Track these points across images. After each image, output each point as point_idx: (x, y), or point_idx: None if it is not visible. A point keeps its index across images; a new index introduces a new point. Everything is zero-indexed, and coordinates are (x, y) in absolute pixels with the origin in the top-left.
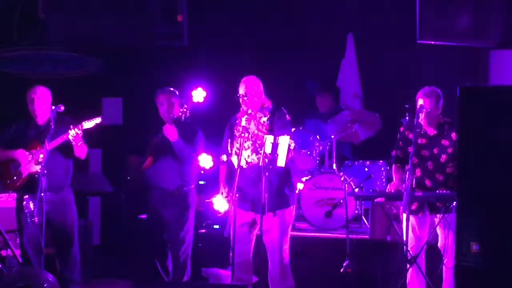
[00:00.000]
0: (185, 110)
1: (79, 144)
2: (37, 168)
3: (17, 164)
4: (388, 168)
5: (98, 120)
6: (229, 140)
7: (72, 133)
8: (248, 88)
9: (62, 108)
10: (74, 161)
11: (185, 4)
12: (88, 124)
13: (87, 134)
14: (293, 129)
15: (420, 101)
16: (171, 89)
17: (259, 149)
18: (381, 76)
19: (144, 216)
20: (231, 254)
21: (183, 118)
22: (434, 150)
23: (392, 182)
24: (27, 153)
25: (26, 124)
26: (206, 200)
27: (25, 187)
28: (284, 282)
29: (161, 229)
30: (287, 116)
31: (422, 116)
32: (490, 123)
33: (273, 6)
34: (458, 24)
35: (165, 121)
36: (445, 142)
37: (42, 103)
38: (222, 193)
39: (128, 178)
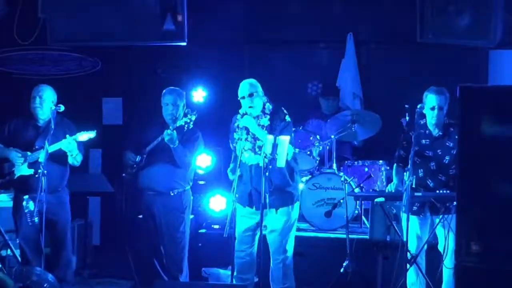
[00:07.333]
0: (189, 120)
1: (74, 155)
2: (30, 171)
3: (11, 164)
4: (388, 168)
5: (92, 134)
6: (234, 143)
7: (65, 143)
8: (251, 89)
9: (62, 108)
10: (70, 164)
11: (185, 4)
12: (83, 137)
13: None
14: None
15: (431, 99)
16: (179, 90)
17: (258, 150)
18: (381, 76)
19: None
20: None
21: (185, 128)
22: (438, 151)
23: (392, 183)
24: (21, 154)
25: (25, 123)
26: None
27: (20, 187)
28: (285, 282)
29: (156, 230)
30: (287, 118)
31: (433, 114)
32: (490, 123)
33: (273, 6)
34: (458, 24)
35: (167, 122)
36: (449, 143)
37: (45, 103)
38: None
39: (124, 175)
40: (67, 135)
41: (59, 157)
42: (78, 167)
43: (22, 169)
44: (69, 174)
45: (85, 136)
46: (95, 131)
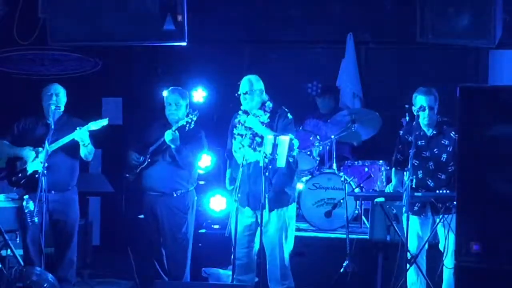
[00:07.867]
0: (190, 120)
1: (86, 145)
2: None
3: (23, 162)
4: (388, 168)
5: (105, 122)
6: (232, 138)
7: (77, 133)
8: (248, 86)
9: (62, 108)
10: (80, 161)
11: (185, 4)
12: (95, 125)
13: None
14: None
15: (420, 100)
16: (182, 89)
17: (257, 147)
18: (381, 76)
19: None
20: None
21: (187, 128)
22: (435, 150)
23: (390, 184)
24: (33, 151)
25: (35, 122)
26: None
27: (31, 185)
28: (284, 282)
29: (158, 230)
30: (289, 115)
31: (424, 114)
32: (490, 123)
33: (273, 6)
34: (458, 24)
35: (170, 122)
36: (444, 141)
37: (57, 101)
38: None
39: (127, 175)
40: (78, 128)
41: (69, 153)
42: (78, 167)
43: (35, 165)
44: (78, 173)
45: (98, 124)
46: (107, 118)
